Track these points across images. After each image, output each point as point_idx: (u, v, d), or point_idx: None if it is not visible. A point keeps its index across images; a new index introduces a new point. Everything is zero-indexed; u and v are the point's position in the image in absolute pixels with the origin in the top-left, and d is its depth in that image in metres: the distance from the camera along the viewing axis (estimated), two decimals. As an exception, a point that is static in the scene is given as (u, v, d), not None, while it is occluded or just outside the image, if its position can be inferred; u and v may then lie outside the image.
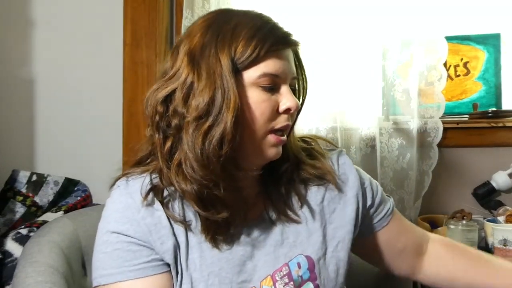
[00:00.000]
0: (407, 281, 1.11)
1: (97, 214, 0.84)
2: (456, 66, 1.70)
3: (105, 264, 0.77)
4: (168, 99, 0.77)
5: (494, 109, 1.63)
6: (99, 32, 1.68)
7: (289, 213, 0.85)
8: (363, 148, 1.61)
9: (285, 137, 0.80)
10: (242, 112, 0.75)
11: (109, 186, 0.83)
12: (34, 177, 1.55)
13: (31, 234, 1.29)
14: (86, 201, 1.57)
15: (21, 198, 1.51)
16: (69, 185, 1.58)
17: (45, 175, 1.57)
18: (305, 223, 0.86)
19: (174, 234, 0.78)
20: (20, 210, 1.49)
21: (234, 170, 0.76)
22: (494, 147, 1.61)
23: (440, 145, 1.58)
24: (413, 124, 1.57)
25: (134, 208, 0.78)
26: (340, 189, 0.88)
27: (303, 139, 0.93)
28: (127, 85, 1.65)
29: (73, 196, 1.57)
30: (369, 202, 0.92)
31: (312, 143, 0.93)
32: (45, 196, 1.54)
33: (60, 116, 1.68)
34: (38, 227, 1.30)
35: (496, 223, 1.39)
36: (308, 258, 0.84)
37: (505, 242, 1.24)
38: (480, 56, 1.68)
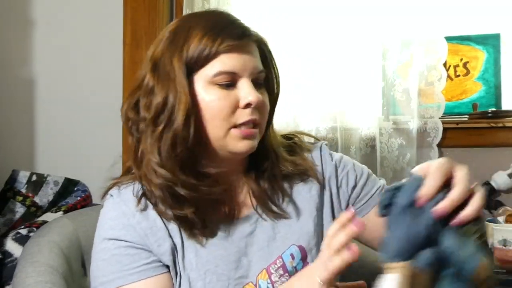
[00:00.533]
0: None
1: (97, 214, 0.84)
2: (456, 66, 1.70)
3: (105, 271, 0.78)
4: (137, 104, 0.80)
5: (493, 109, 1.62)
6: (99, 32, 1.68)
7: (275, 209, 0.86)
8: (363, 148, 1.61)
9: (256, 130, 0.79)
10: (200, 111, 0.76)
11: (101, 196, 0.84)
12: (34, 177, 1.55)
13: (31, 234, 1.29)
14: (86, 201, 1.56)
15: (21, 198, 1.51)
16: (69, 185, 1.58)
17: (45, 175, 1.57)
18: (295, 217, 0.87)
19: (170, 236, 0.79)
20: (20, 210, 1.49)
21: (194, 169, 0.78)
22: (494, 147, 1.61)
23: (440, 145, 1.58)
24: (413, 124, 1.57)
25: (129, 214, 0.79)
26: (322, 183, 0.89)
27: (286, 136, 0.93)
28: (127, 85, 1.65)
29: (73, 196, 1.56)
30: (351, 184, 0.92)
31: (295, 139, 0.93)
32: (45, 196, 1.54)
33: (60, 116, 1.68)
34: (38, 227, 1.29)
35: (496, 223, 1.39)
36: (301, 247, 0.85)
37: (505, 242, 1.24)
38: (480, 56, 1.68)
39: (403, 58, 1.61)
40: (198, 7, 1.60)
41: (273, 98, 0.86)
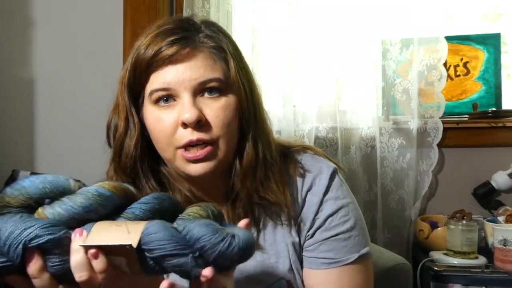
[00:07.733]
0: (407, 279, 1.11)
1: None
2: (456, 66, 1.70)
3: None
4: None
5: (494, 109, 1.62)
6: (99, 32, 1.68)
7: None
8: (363, 148, 1.61)
9: (208, 148, 0.71)
10: (149, 132, 0.74)
11: None
12: (34, 177, 1.55)
13: (31, 234, 1.29)
14: (86, 201, 1.56)
15: (21, 198, 1.51)
16: (69, 185, 1.58)
17: (45, 175, 1.57)
18: (270, 253, 0.79)
19: None
20: (20, 210, 1.49)
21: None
22: (494, 147, 1.61)
23: (440, 145, 1.58)
24: (413, 124, 1.57)
25: None
26: (292, 222, 0.79)
27: (288, 152, 0.83)
28: (127, 85, 1.64)
29: (73, 196, 1.56)
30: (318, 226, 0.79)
31: (292, 157, 0.81)
32: (45, 196, 1.54)
33: (60, 116, 1.68)
34: (38, 227, 1.29)
35: (496, 223, 1.39)
36: (289, 282, 0.79)
37: (505, 242, 1.24)
38: (480, 56, 1.68)
39: (403, 58, 1.61)
40: (198, 7, 1.60)
41: (247, 103, 0.74)
